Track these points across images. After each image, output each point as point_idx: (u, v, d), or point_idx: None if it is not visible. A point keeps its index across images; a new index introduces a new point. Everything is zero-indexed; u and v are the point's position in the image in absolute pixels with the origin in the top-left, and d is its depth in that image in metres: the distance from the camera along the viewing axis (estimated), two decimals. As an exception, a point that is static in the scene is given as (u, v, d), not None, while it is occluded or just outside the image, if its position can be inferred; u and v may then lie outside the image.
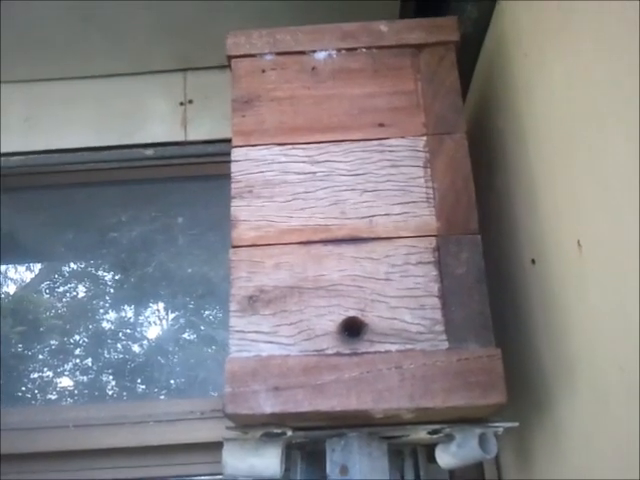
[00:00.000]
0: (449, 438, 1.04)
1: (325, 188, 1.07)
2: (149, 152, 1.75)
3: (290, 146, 1.11)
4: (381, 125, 1.11)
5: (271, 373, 0.95)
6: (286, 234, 1.05)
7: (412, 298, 0.99)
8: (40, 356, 1.72)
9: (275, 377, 0.94)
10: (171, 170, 1.77)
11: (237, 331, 0.99)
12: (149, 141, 1.75)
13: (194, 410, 1.42)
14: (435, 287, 1.00)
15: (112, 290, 1.68)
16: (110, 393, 1.67)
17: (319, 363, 0.95)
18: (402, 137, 1.10)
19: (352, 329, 0.99)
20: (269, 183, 1.08)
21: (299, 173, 1.08)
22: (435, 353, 0.95)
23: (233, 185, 1.09)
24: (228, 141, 1.14)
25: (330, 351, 0.97)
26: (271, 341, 0.98)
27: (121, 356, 1.68)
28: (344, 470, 1.04)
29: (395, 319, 0.98)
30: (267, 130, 1.12)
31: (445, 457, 1.05)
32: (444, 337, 0.97)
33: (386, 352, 0.96)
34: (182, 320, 1.66)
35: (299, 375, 0.94)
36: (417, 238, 1.03)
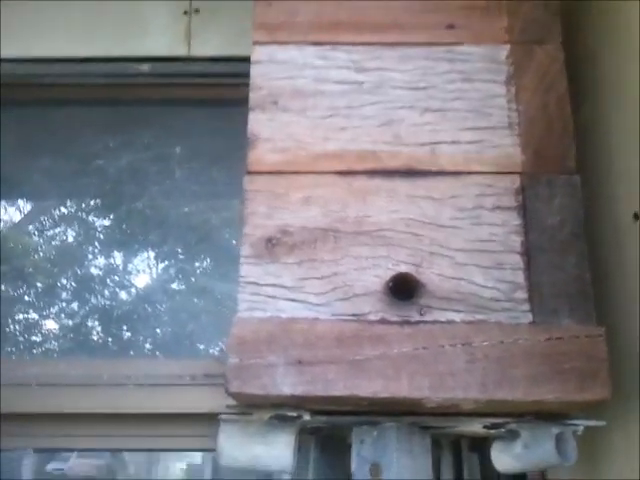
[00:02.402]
0: (512, 435, 0.80)
1: (374, 104, 0.81)
2: (145, 68, 1.47)
3: (330, 46, 0.84)
4: (451, 27, 0.84)
5: (293, 341, 0.70)
6: (321, 160, 0.79)
7: (486, 254, 0.74)
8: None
9: (299, 347, 0.70)
10: (170, 91, 1.49)
11: (249, 282, 0.74)
12: (145, 54, 1.46)
13: (182, 374, 1.17)
14: (517, 241, 0.75)
15: (96, 230, 1.43)
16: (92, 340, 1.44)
17: (359, 332, 0.70)
18: (478, 44, 0.83)
19: (404, 290, 0.74)
20: (300, 93, 0.82)
21: (340, 82, 0.82)
22: (516, 328, 0.71)
23: (252, 93, 0.82)
24: (240, 60, 0.88)
25: (374, 317, 0.72)
26: (295, 299, 0.73)
27: (107, 302, 1.43)
28: (376, 470, 0.80)
29: (462, 280, 0.73)
30: (300, 24, 0.85)
31: (505, 459, 0.81)
32: (527, 307, 0.72)
33: (449, 323, 0.71)
34: (173, 270, 1.41)
35: (331, 346, 0.70)
36: (495, 175, 0.78)
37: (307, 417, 0.75)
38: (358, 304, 0.73)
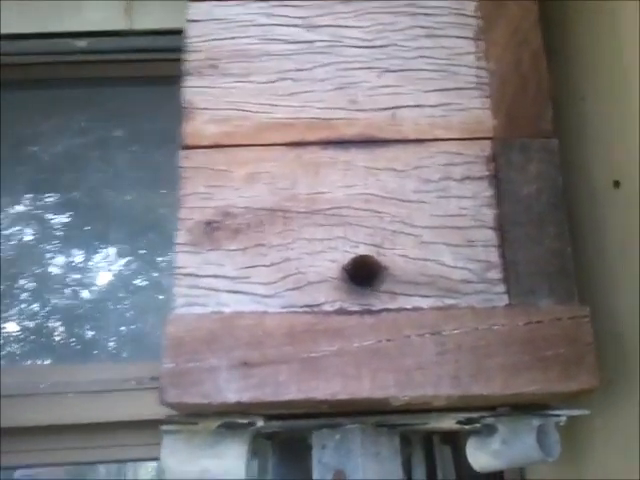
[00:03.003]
0: (489, 430, 0.72)
1: (327, 65, 0.71)
2: (81, 44, 1.34)
3: (277, 1, 0.74)
4: (408, -24, 0.75)
5: (238, 340, 0.61)
6: (267, 131, 0.69)
7: (455, 230, 0.66)
8: None
9: (244, 346, 0.60)
10: (110, 68, 1.38)
11: (186, 274, 0.64)
12: (82, 29, 1.33)
13: (127, 378, 1.07)
14: (489, 214, 0.66)
15: (29, 222, 1.30)
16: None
17: (313, 325, 0.61)
18: (440, -5, 0.74)
19: (364, 275, 0.65)
20: (243, 55, 0.72)
21: (289, 42, 0.72)
22: (491, 312, 0.62)
23: (189, 57, 0.72)
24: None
25: (330, 307, 0.63)
26: (239, 290, 0.64)
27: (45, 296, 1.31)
28: (340, 475, 0.71)
29: (429, 260, 0.65)
30: (240, -23, 0.75)
31: (482, 457, 0.73)
32: (503, 288, 0.64)
33: (416, 310, 0.63)
34: (117, 261, 1.29)
35: (282, 344, 0.61)
36: (463, 142, 0.69)
37: (260, 423, 0.66)
38: (312, 293, 0.63)
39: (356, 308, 0.63)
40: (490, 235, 0.66)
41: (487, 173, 0.68)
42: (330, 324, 0.61)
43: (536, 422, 0.68)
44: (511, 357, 0.60)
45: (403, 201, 0.67)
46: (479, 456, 0.73)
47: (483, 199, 0.67)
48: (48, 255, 1.40)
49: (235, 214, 0.66)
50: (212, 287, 0.63)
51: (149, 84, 1.37)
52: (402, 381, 0.59)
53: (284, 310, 0.63)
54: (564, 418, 0.69)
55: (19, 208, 1.41)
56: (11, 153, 1.31)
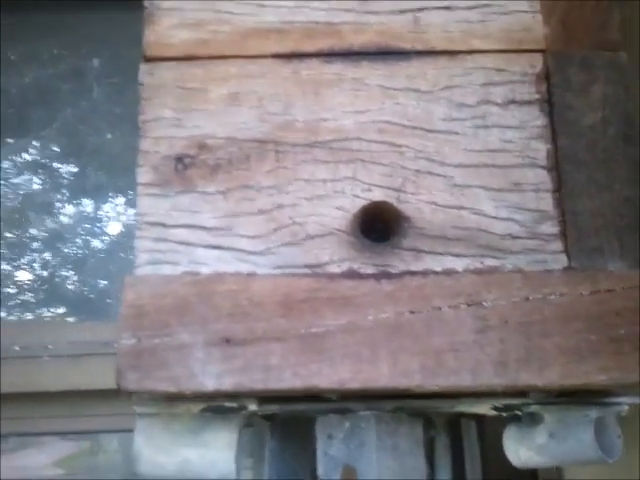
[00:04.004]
0: (532, 419, 0.58)
1: (330, -46, 0.55)
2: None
3: None
4: None
5: (218, 310, 0.46)
6: (253, 38, 0.53)
7: (497, 170, 0.51)
8: None
9: (225, 318, 0.46)
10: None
11: (151, 223, 0.49)
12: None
13: (109, 340, 0.94)
14: (542, 150, 0.51)
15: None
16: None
17: (315, 292, 0.47)
18: None
19: (379, 227, 0.51)
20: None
21: None
22: (545, 278, 0.48)
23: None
24: None
25: (336, 268, 0.49)
26: (219, 245, 0.49)
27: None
28: (350, 474, 0.58)
29: (463, 209, 0.50)
30: None
31: (523, 451, 0.60)
32: (560, 246, 0.49)
33: (447, 273, 0.48)
34: (92, 206, 1.15)
35: (274, 315, 0.46)
36: (507, 54, 0.53)
37: (252, 407, 0.53)
38: (313, 250, 0.49)
39: (370, 270, 0.48)
40: (543, 176, 0.51)
41: (538, 96, 0.53)
42: (336, 290, 0.47)
43: (593, 413, 0.54)
44: (573, 337, 0.46)
45: (429, 131, 0.52)
46: (519, 450, 0.59)
47: (533, 130, 0.52)
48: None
49: (213, 147, 0.51)
50: (184, 241, 0.49)
51: (129, 6, 1.21)
52: (430, 366, 0.45)
53: (277, 272, 0.48)
54: (626, 407, 0.56)
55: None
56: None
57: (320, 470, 0.58)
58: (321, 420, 0.59)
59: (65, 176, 1.19)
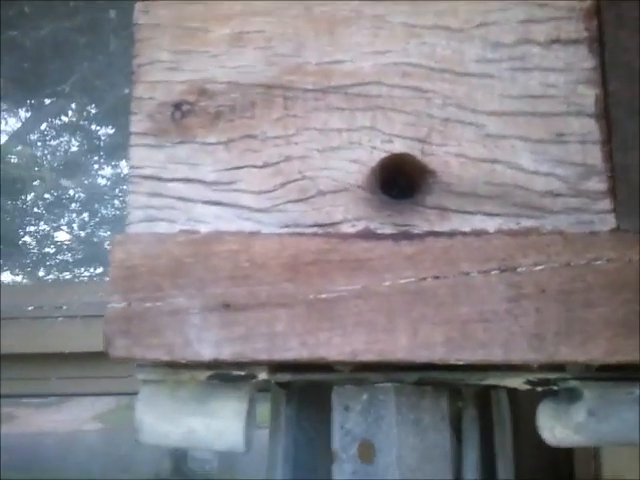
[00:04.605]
0: (570, 395, 0.53)
1: None
2: None
3: None
4: None
5: (217, 271, 0.42)
6: (260, -31, 0.47)
7: (537, 119, 0.45)
8: None
9: (225, 281, 0.42)
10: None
11: (145, 177, 0.45)
12: None
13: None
14: (590, 96, 0.45)
15: (12, 118, 1.12)
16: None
17: (326, 254, 0.42)
18: None
19: (401, 182, 0.45)
20: None
21: None
22: (590, 241, 0.42)
23: None
24: None
25: (351, 227, 0.43)
26: (220, 201, 0.44)
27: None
28: (367, 449, 0.54)
29: (497, 162, 0.44)
30: None
31: (559, 429, 0.54)
32: (608, 205, 0.43)
33: (478, 234, 0.42)
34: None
35: (280, 279, 0.42)
36: (551, -16, 0.46)
37: (262, 376, 0.48)
38: (324, 208, 0.44)
39: (388, 230, 0.43)
40: (590, 126, 0.44)
41: (586, 34, 0.46)
42: (350, 252, 0.42)
43: (639, 390, 0.49)
44: (620, 308, 0.40)
45: (460, 75, 0.45)
46: (555, 428, 0.54)
47: (580, 73, 0.45)
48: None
49: (214, 92, 0.45)
50: (182, 196, 0.44)
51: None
52: (455, 338, 0.40)
53: (283, 231, 0.43)
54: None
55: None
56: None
57: (335, 444, 0.54)
58: (337, 390, 0.54)
59: (83, 128, 1.15)
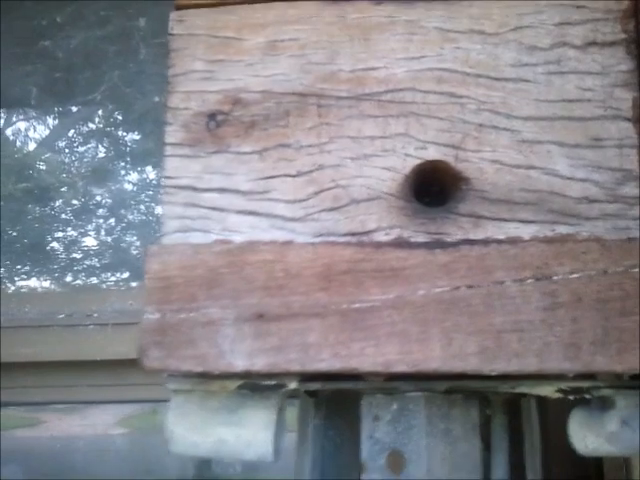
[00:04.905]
0: (603, 403, 0.52)
1: None
2: None
3: None
4: None
5: (251, 282, 0.42)
6: (293, -23, 0.48)
7: (573, 123, 0.44)
8: None
9: (259, 292, 0.42)
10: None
11: (180, 187, 0.45)
12: None
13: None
14: (628, 99, 0.44)
15: (41, 125, 1.14)
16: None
17: (359, 263, 0.42)
18: None
19: (435, 189, 0.45)
20: None
21: None
22: (628, 248, 0.41)
23: None
24: None
25: (384, 236, 0.43)
26: (254, 211, 0.44)
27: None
28: (397, 460, 0.54)
29: (532, 168, 0.44)
30: None
31: (592, 439, 0.53)
32: (648, 212, 0.42)
33: (512, 242, 0.42)
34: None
35: (313, 289, 0.42)
36: (588, -12, 0.46)
37: (293, 385, 0.49)
38: (358, 216, 0.44)
39: (422, 239, 0.43)
40: (627, 130, 0.44)
41: (624, 36, 0.45)
42: (384, 261, 0.42)
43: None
44: (661, 317, 0.39)
45: (496, 80, 0.45)
46: (587, 437, 0.53)
47: (617, 76, 0.44)
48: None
49: (249, 101, 0.46)
50: (216, 206, 0.45)
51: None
52: (490, 348, 0.40)
53: (317, 240, 0.43)
54: None
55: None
56: (21, 48, 1.13)
57: (364, 454, 0.54)
58: (367, 399, 0.54)
59: (113, 136, 1.16)
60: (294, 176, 0.44)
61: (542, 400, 0.69)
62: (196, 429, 0.52)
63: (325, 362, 0.40)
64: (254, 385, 0.48)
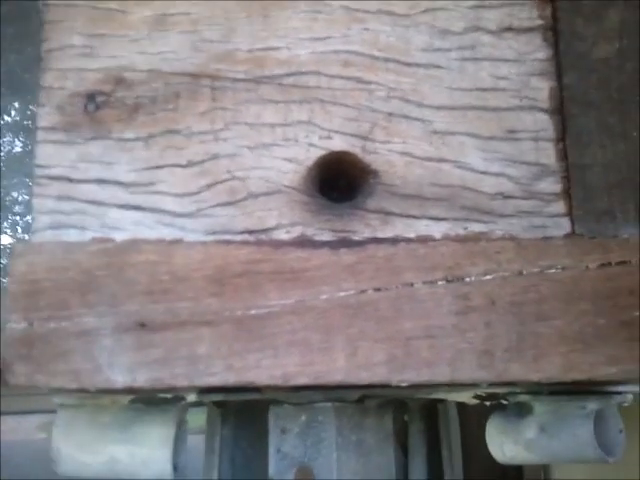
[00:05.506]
0: (520, 410, 0.50)
1: None
2: None
3: None
4: None
5: (132, 286, 0.37)
6: (185, -55, 0.43)
7: (488, 114, 0.41)
8: None
9: (142, 297, 0.37)
10: None
11: (53, 178, 0.39)
12: None
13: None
14: (544, 89, 0.42)
15: None
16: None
17: (257, 264, 0.37)
18: None
19: (340, 183, 0.41)
20: None
21: None
22: (544, 247, 0.39)
23: None
24: None
25: (285, 234, 0.39)
26: (139, 205, 0.39)
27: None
28: (305, 475, 0.50)
29: (444, 161, 0.40)
30: None
31: (509, 446, 0.51)
32: (563, 208, 0.40)
33: (423, 241, 0.39)
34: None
35: (205, 293, 0.37)
36: (503, -31, 0.43)
37: (191, 397, 0.44)
38: (256, 212, 0.39)
39: (327, 237, 0.39)
40: (544, 122, 0.41)
41: (540, 22, 0.43)
42: (284, 262, 0.38)
43: (592, 405, 0.46)
44: (576, 320, 0.37)
45: (406, 65, 0.42)
46: (504, 444, 0.51)
47: (533, 64, 0.42)
48: None
49: (133, 81, 0.40)
50: (94, 199, 0.39)
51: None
52: (399, 357, 0.36)
53: (209, 238, 0.39)
54: (630, 397, 0.48)
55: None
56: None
57: (271, 469, 0.50)
58: (273, 411, 0.50)
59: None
60: (184, 166, 0.40)
61: (461, 405, 0.67)
62: (85, 448, 0.47)
63: (217, 376, 0.36)
64: (149, 398, 0.43)
